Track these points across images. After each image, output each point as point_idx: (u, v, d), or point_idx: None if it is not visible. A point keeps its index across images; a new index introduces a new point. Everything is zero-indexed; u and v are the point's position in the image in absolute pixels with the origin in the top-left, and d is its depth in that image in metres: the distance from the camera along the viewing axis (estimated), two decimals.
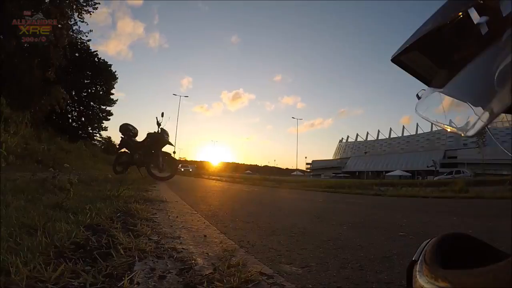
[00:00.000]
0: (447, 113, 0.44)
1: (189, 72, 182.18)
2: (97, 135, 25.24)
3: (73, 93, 20.91)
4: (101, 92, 23.17)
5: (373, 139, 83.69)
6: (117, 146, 8.53)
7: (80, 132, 22.81)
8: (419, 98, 0.53)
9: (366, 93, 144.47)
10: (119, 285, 0.83)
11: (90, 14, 14.37)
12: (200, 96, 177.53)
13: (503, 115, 0.35)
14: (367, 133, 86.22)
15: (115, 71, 23.51)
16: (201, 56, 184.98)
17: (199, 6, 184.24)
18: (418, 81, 0.53)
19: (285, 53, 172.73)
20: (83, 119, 23.19)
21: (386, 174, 54.18)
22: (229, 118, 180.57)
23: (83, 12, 14.13)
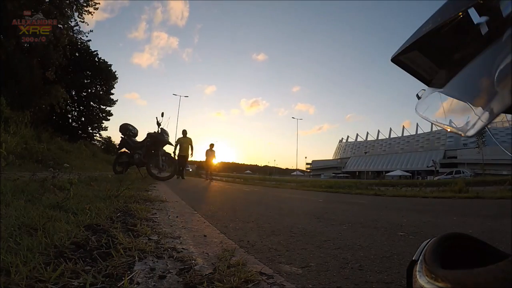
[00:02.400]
0: (447, 113, 0.44)
1: (214, 81, 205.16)
2: (97, 135, 25.25)
3: (73, 93, 20.92)
4: (101, 92, 23.16)
5: (373, 139, 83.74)
6: (117, 146, 8.54)
7: (80, 132, 22.80)
8: (419, 98, 0.53)
9: (372, 100, 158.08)
10: (119, 285, 0.83)
11: (92, 14, 14.36)
12: (221, 103, 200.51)
13: (503, 115, 0.35)
14: (367, 133, 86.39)
15: (115, 71, 23.52)
16: (228, 69, 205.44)
17: (239, 28, 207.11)
18: (418, 81, 0.53)
19: (305, 67, 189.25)
20: (83, 119, 23.18)
21: (386, 174, 54.22)
22: (242, 122, 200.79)
23: (83, 12, 14.13)
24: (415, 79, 0.53)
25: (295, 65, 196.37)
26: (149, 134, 7.85)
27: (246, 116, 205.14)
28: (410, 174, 50.82)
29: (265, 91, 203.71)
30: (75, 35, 16.30)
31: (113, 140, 25.50)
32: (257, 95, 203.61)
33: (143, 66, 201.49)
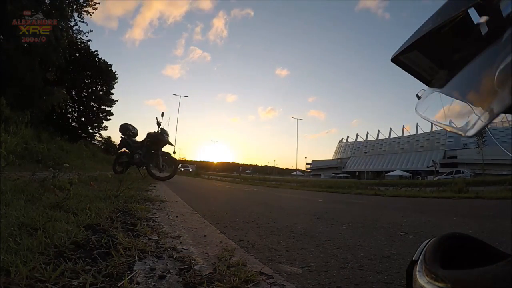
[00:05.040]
0: (447, 113, 0.44)
1: (237, 91, 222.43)
2: (97, 135, 25.25)
3: (73, 93, 20.92)
4: (101, 92, 23.15)
5: (373, 139, 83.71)
6: (117, 146, 8.54)
7: (80, 132, 22.78)
8: (419, 98, 0.53)
9: (376, 107, 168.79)
10: (119, 285, 0.83)
11: (90, 14, 14.39)
12: (239, 110, 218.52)
13: (503, 115, 0.35)
14: (367, 133, 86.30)
15: (115, 71, 23.51)
16: (252, 82, 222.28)
17: (269, 46, 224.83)
18: (418, 81, 0.53)
19: (321, 80, 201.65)
20: (83, 119, 23.17)
21: (386, 174, 54.16)
22: (253, 126, 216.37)
23: (83, 12, 14.14)
24: (415, 79, 0.53)
25: (313, 79, 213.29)
26: (149, 134, 7.85)
27: (260, 121, 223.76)
28: (410, 174, 50.75)
29: (282, 100, 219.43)
30: (75, 35, 16.32)
31: (113, 140, 25.53)
32: (274, 104, 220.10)
33: (173, 78, 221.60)
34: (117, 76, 23.62)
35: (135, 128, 8.30)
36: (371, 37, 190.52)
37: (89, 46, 20.86)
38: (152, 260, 1.09)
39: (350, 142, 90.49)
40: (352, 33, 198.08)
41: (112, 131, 38.25)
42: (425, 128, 69.17)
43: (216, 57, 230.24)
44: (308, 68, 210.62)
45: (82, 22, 15.11)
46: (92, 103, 23.03)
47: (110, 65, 22.87)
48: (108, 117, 24.43)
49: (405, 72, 0.53)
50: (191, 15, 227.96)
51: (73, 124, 22.66)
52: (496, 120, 0.34)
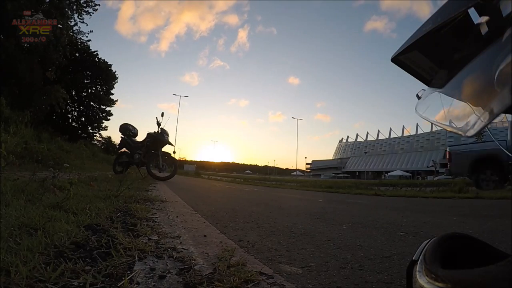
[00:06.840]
0: (447, 113, 0.44)
1: (249, 97, 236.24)
2: (97, 135, 25.27)
3: (73, 93, 20.93)
4: (101, 92, 23.16)
5: (373, 139, 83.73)
6: (117, 146, 8.53)
7: (80, 132, 22.80)
8: (419, 98, 0.53)
9: (378, 110, 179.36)
10: (119, 285, 0.83)
11: (90, 15, 14.41)
12: (249, 113, 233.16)
13: (503, 115, 0.35)
14: (367, 133, 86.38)
15: (115, 71, 23.53)
16: (265, 89, 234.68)
17: (283, 56, 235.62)
18: (418, 81, 0.53)
19: (329, 85, 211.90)
20: (83, 119, 23.19)
21: (387, 174, 54.15)
22: (260, 129, 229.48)
23: (83, 13, 14.16)
24: (415, 79, 0.53)
25: (322, 86, 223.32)
26: (149, 134, 7.84)
27: (268, 124, 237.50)
28: (410, 174, 50.73)
29: (291, 106, 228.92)
30: (75, 35, 16.33)
31: (113, 140, 25.55)
32: (284, 109, 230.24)
33: (192, 85, 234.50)
34: (117, 76, 23.66)
35: (135, 128, 8.29)
36: (377, 49, 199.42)
37: (89, 46, 20.88)
38: (152, 260, 1.09)
39: (350, 142, 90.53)
40: (359, 47, 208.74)
41: (112, 131, 38.30)
42: (425, 128, 69.28)
43: (235, 66, 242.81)
44: (317, 77, 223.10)
45: (82, 22, 15.13)
46: (92, 103, 23.04)
47: (110, 65, 22.92)
48: (108, 117, 24.45)
49: (405, 72, 0.53)
50: (217, 28, 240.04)
51: (73, 124, 22.69)
52: (496, 120, 0.34)
